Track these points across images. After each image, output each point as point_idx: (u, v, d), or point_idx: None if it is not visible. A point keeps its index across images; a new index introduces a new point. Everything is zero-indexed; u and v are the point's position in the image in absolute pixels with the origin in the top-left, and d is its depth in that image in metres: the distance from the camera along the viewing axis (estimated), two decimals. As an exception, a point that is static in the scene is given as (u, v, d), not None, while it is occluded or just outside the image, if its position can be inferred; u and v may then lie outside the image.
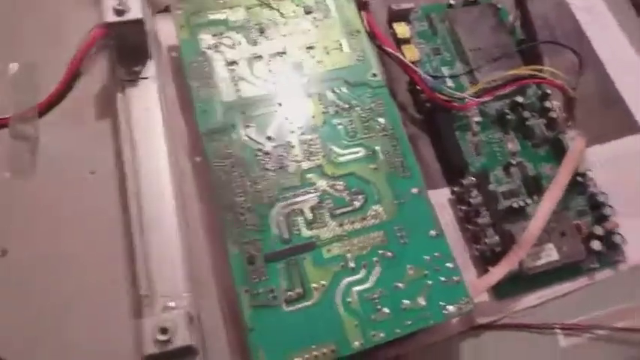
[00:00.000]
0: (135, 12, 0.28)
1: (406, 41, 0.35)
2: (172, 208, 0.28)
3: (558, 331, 0.30)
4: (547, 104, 0.34)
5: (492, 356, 0.29)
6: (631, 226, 0.32)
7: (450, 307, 0.26)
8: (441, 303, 0.26)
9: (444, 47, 0.35)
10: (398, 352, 0.27)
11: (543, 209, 0.28)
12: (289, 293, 0.26)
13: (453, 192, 0.32)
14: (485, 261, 0.30)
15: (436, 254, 0.27)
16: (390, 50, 0.32)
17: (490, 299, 0.30)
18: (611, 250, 0.31)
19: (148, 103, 0.31)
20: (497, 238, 0.29)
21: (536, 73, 0.32)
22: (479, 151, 0.33)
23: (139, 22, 0.28)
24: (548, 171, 0.33)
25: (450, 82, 0.34)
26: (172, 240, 0.28)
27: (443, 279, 0.27)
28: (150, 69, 0.31)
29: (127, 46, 0.30)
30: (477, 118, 0.34)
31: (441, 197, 0.32)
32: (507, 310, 0.30)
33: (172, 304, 0.27)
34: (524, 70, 0.32)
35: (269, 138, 0.29)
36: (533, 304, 0.30)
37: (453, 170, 0.32)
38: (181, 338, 0.24)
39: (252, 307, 0.25)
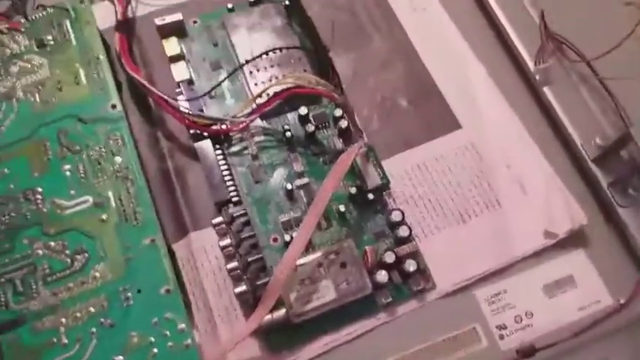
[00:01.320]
0: None
1: (177, 59, 0.30)
2: None
3: (346, 382, 0.25)
4: (337, 112, 0.29)
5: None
6: (440, 245, 0.27)
7: (177, 379, 0.23)
8: (165, 375, 0.23)
9: (226, 59, 0.31)
10: None
11: (292, 247, 0.24)
12: (-13, 382, 0.22)
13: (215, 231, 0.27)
14: (248, 309, 0.26)
15: (166, 315, 0.23)
16: (132, 74, 0.28)
17: (264, 353, 0.25)
18: (411, 279, 0.27)
19: None
20: (245, 286, 0.25)
21: (297, 82, 0.27)
22: (258, 178, 0.28)
23: None
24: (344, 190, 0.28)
25: (229, 100, 0.30)
26: None
27: (170, 344, 0.23)
28: None
29: None
30: (259, 138, 0.29)
31: (209, 238, 0.27)
32: (284, 365, 0.25)
33: None
34: (288, 80, 0.27)
35: (-19, 199, 0.25)
36: (316, 354, 0.26)
37: (216, 205, 0.27)
38: None
39: (-57, 405, 0.22)
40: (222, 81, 0.29)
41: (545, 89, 0.29)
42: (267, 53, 0.29)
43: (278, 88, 0.28)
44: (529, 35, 0.31)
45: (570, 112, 0.29)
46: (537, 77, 0.30)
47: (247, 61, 0.29)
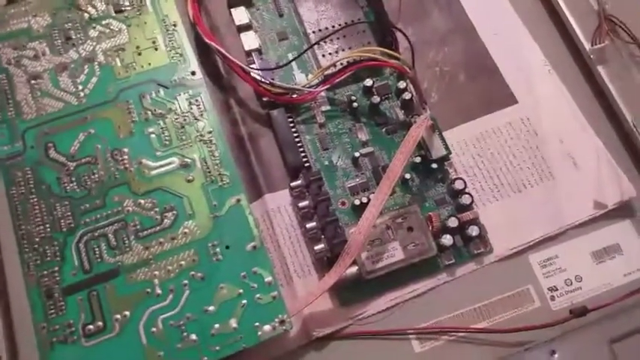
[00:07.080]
0: None
1: (245, 28, 0.31)
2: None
3: (412, 335, 0.27)
4: (401, 85, 0.30)
5: (337, 369, 0.27)
6: (496, 212, 0.29)
7: (266, 327, 0.24)
8: (255, 324, 0.24)
9: (291, 30, 0.32)
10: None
11: (368, 211, 0.25)
12: (89, 327, 0.24)
13: (290, 193, 0.29)
14: (322, 266, 0.28)
15: (253, 269, 0.25)
16: (210, 43, 0.29)
17: (335, 306, 0.27)
18: (471, 243, 0.28)
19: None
20: (323, 245, 0.27)
21: (369, 55, 0.28)
22: (325, 145, 0.30)
23: None
24: (405, 158, 0.30)
25: (296, 70, 0.31)
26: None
27: (258, 296, 0.25)
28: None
29: None
30: (325, 108, 0.31)
31: (283, 199, 0.29)
32: (354, 318, 0.27)
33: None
34: (358, 53, 0.29)
35: (72, 157, 0.26)
36: (382, 309, 0.28)
37: (290, 170, 0.29)
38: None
39: (50, 345, 0.24)
40: (301, 54, 0.30)
41: (600, 68, 0.31)
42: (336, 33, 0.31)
43: (350, 60, 0.29)
44: (584, 16, 0.32)
45: (623, 91, 0.31)
46: (592, 57, 0.31)
47: (322, 39, 0.30)
